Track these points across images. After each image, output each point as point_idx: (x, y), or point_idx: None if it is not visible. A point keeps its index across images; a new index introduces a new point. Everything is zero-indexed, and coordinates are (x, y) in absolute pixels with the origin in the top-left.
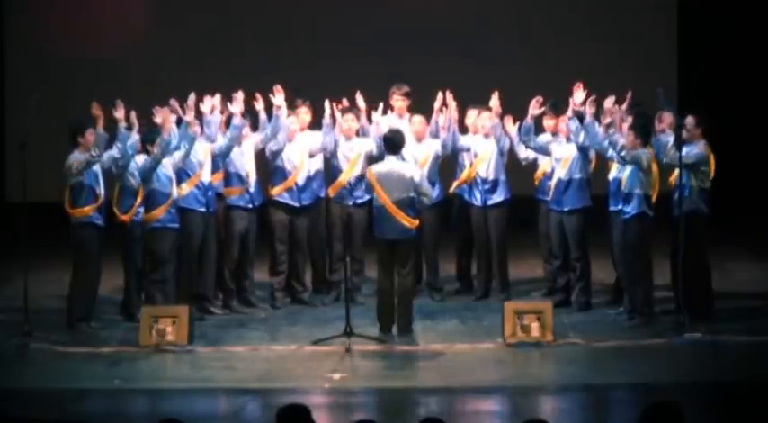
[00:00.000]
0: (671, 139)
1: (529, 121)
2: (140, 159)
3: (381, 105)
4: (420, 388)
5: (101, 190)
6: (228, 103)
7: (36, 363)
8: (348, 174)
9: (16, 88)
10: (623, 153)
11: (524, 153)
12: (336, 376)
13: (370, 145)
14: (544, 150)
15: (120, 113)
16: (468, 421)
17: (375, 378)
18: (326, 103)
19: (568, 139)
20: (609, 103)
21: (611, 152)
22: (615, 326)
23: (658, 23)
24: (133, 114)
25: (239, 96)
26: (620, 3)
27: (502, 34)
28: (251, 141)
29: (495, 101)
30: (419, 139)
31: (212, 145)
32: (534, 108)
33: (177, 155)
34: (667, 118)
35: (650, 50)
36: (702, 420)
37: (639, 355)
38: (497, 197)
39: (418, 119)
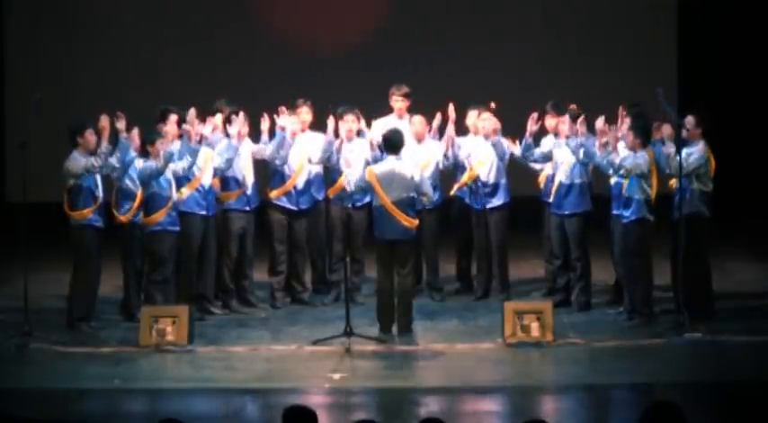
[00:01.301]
0: (672, 150)
1: (528, 138)
2: (139, 162)
3: (372, 124)
4: (420, 388)
5: (99, 192)
6: (227, 125)
7: (36, 363)
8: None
9: (16, 88)
10: (622, 171)
11: (539, 165)
12: (336, 376)
13: (368, 150)
14: (548, 158)
15: (121, 124)
16: (468, 421)
17: (375, 378)
18: (330, 121)
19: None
20: (600, 123)
21: (611, 171)
22: (615, 326)
23: (658, 23)
24: (135, 132)
25: (240, 118)
26: (620, 3)
27: (502, 35)
28: (249, 147)
29: (491, 107)
30: (419, 140)
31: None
32: (532, 125)
33: (180, 165)
34: (666, 129)
35: (650, 50)
36: (702, 420)
37: (639, 355)
38: (497, 201)
39: (418, 119)
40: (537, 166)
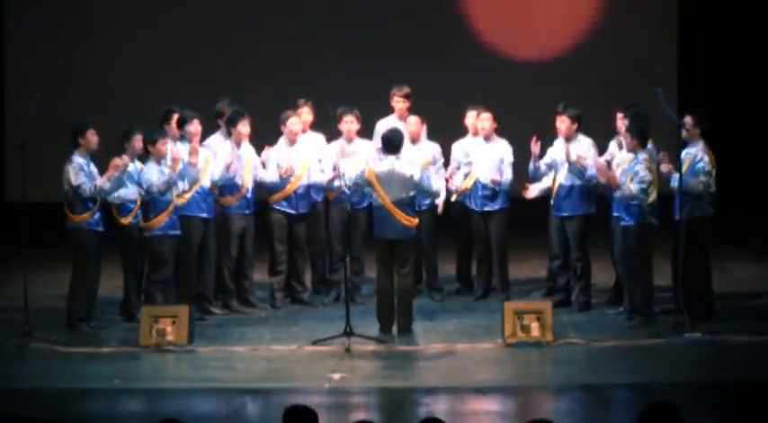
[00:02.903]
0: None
1: (535, 161)
2: (143, 169)
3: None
4: (420, 388)
5: (98, 195)
6: (231, 126)
7: (36, 363)
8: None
9: (16, 88)
10: (637, 200)
11: (550, 176)
12: (336, 376)
13: (370, 148)
14: (554, 168)
15: (122, 169)
16: (468, 421)
17: (375, 378)
18: (333, 165)
19: (568, 140)
20: (598, 163)
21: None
22: (615, 326)
23: (658, 23)
24: (137, 137)
25: (234, 152)
26: (620, 3)
27: (502, 35)
28: (250, 151)
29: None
30: (414, 141)
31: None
32: (534, 148)
33: (179, 186)
34: (665, 166)
35: (650, 50)
36: (702, 420)
37: (639, 355)
38: (495, 205)
39: (413, 119)
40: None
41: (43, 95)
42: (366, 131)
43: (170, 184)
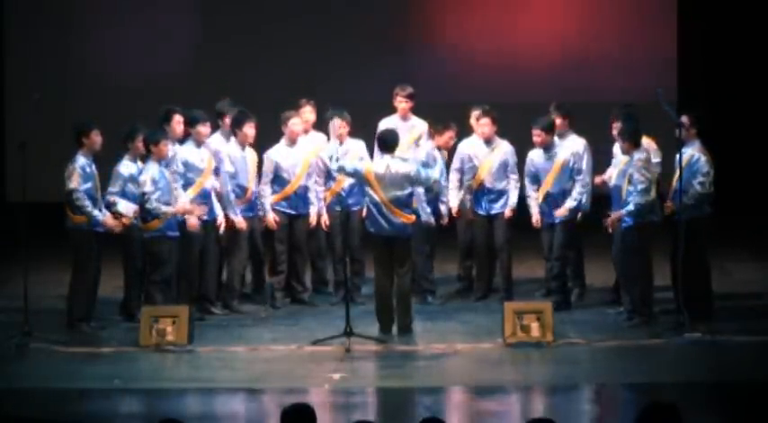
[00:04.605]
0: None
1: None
2: (146, 172)
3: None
4: (420, 388)
5: (99, 196)
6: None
7: (36, 363)
8: (342, 182)
9: (16, 88)
10: (642, 202)
11: None
12: (336, 376)
13: (362, 149)
14: (538, 175)
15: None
16: (468, 421)
17: (375, 378)
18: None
19: (546, 149)
20: (607, 222)
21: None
22: (615, 326)
23: (658, 23)
24: (139, 139)
25: (232, 216)
26: (620, 3)
27: (501, 34)
28: (253, 156)
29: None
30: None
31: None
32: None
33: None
34: (669, 204)
35: (650, 50)
36: (702, 420)
37: (639, 354)
38: (500, 208)
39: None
40: None
41: (43, 95)
42: (367, 132)
43: (164, 216)
